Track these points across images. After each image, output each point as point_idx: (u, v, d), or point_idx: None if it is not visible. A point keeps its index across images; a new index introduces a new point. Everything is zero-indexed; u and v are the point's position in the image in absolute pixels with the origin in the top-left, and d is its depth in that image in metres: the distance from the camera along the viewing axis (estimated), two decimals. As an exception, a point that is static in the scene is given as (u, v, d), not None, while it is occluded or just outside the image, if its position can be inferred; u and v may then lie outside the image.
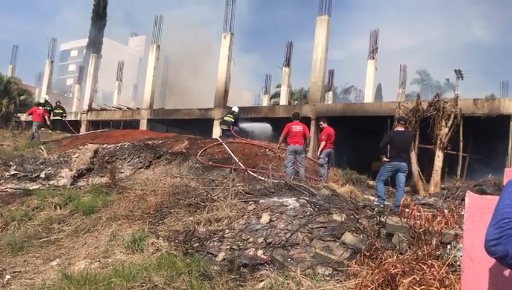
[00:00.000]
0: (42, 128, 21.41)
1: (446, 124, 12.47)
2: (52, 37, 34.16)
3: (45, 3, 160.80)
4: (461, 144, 13.00)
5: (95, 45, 38.72)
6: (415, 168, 12.40)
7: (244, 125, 18.03)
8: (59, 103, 23.63)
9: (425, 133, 13.00)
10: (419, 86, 40.45)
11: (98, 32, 41.68)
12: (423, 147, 13.43)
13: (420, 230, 4.72)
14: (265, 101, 35.01)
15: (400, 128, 8.65)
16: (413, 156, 12.27)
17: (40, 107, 19.88)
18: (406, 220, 5.23)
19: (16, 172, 12.27)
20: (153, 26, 25.19)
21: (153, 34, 25.46)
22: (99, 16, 42.25)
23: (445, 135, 12.42)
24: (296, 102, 45.87)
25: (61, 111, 22.60)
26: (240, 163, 11.72)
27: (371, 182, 12.91)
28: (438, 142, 12.44)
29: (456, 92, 29.31)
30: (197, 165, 12.20)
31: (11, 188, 10.63)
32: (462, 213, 5.94)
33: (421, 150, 13.53)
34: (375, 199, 8.49)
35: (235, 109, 17.49)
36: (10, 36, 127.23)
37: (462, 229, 4.83)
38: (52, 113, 22.40)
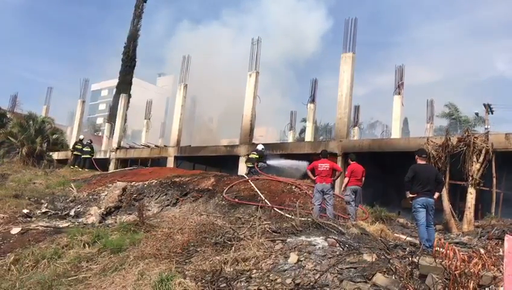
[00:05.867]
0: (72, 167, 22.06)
1: (477, 160, 12.13)
2: (84, 78, 35.55)
3: (76, 44, 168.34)
4: (494, 180, 12.58)
5: (124, 85, 40.01)
6: (447, 205, 12.03)
7: (280, 162, 18.04)
8: (90, 141, 24.36)
9: (456, 169, 12.68)
10: (448, 120, 39.75)
11: (128, 72, 43.02)
12: (454, 183, 13.07)
13: (456, 272, 4.54)
14: (290, 138, 35.03)
15: (422, 162, 8.37)
16: (445, 192, 11.93)
17: None
18: (440, 261, 5.04)
19: (47, 210, 12.54)
20: (180, 66, 25.91)
21: (180, 74, 26.13)
22: (129, 57, 43.70)
23: (477, 171, 12.06)
24: (321, 137, 45.85)
25: (90, 150, 23.26)
26: (266, 200, 11.66)
27: (401, 220, 12.58)
28: (470, 179, 12.08)
29: (486, 127, 28.69)
30: (224, 202, 12.20)
31: (42, 226, 10.82)
32: (500, 254, 5.69)
33: (452, 186, 13.16)
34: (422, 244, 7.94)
35: (260, 146, 17.58)
36: (44, 79, 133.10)
37: (501, 272, 4.62)
38: (82, 152, 23.07)
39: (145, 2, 47.03)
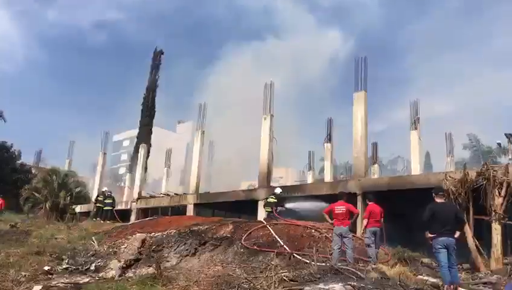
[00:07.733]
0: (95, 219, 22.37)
1: (499, 194, 11.80)
2: (105, 131, 36.59)
3: (97, 95, 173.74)
4: (519, 213, 12.16)
5: (144, 135, 40.90)
6: (471, 242, 11.63)
7: (295, 205, 17.87)
8: (110, 193, 24.74)
9: (479, 204, 12.32)
10: (470, 152, 39.05)
11: (147, 122, 44.06)
12: (479, 218, 12.66)
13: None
14: (309, 178, 34.84)
15: (440, 200, 8.20)
16: (468, 229, 11.58)
17: None
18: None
19: (67, 266, 12.58)
20: (197, 113, 26.46)
21: (197, 121, 26.65)
22: (148, 107, 44.90)
23: (499, 205, 11.70)
24: (342, 176, 45.42)
25: (111, 201, 23.60)
26: (285, 246, 11.52)
27: (426, 260, 12.17)
28: (493, 214, 11.71)
29: (510, 157, 28.02)
30: (242, 250, 12.09)
31: (63, 283, 10.84)
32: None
33: (477, 221, 12.74)
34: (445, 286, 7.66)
35: (278, 190, 17.55)
36: (66, 133, 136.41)
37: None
38: (104, 204, 23.41)
39: (163, 54, 48.85)
